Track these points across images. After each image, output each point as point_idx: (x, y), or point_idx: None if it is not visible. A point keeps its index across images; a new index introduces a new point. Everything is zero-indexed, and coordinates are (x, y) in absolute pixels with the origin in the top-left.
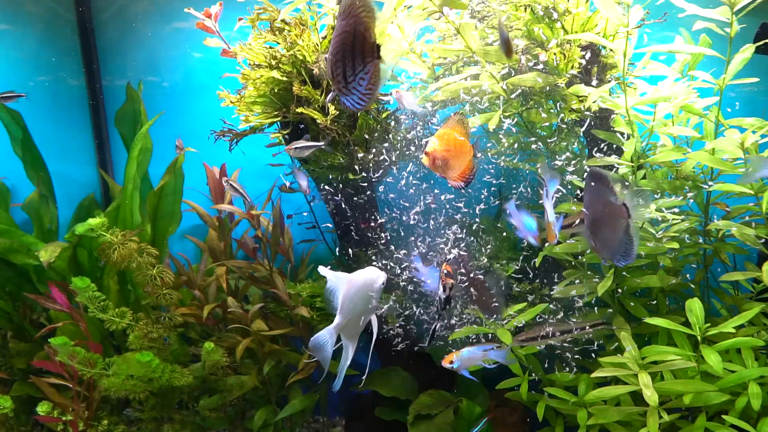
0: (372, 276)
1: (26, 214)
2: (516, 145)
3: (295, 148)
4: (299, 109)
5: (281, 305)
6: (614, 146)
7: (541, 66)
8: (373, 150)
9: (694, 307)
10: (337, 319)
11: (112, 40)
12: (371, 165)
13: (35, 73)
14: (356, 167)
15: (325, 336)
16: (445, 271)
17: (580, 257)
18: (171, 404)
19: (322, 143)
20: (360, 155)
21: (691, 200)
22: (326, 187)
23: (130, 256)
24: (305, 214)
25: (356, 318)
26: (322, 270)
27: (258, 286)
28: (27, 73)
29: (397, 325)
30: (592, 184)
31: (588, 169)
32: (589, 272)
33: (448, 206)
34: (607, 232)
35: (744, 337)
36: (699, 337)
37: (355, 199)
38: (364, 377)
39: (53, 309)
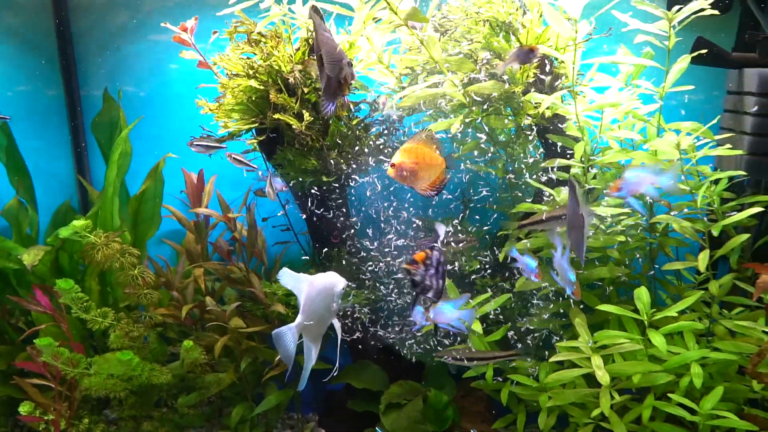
0: (332, 280)
1: (5, 220)
2: (476, 152)
3: (196, 144)
4: (276, 116)
5: (257, 304)
6: (568, 150)
7: (499, 75)
8: (345, 154)
9: (642, 295)
10: (298, 318)
11: (90, 52)
12: (343, 168)
13: (14, 83)
14: (329, 170)
15: (287, 332)
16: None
17: (539, 253)
18: (150, 402)
19: (224, 145)
20: (332, 159)
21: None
22: (301, 190)
23: (113, 257)
24: (280, 214)
25: (318, 319)
26: (285, 271)
27: (234, 287)
28: (6, 83)
29: (367, 320)
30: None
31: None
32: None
33: (412, 209)
34: (575, 234)
35: (686, 321)
36: (646, 322)
37: (328, 202)
38: (335, 373)
39: (36, 311)
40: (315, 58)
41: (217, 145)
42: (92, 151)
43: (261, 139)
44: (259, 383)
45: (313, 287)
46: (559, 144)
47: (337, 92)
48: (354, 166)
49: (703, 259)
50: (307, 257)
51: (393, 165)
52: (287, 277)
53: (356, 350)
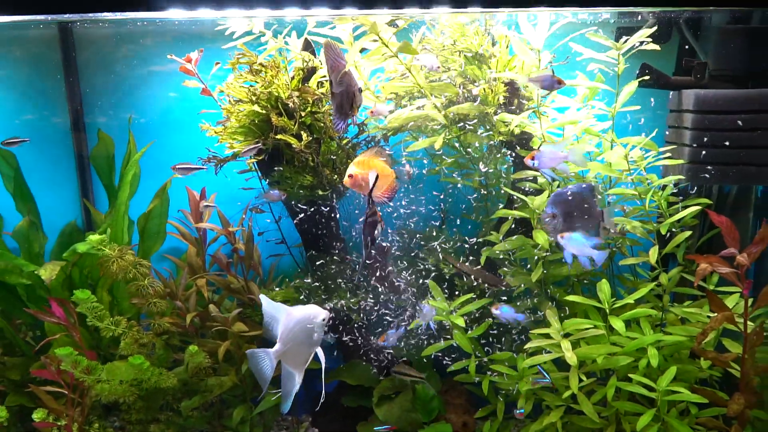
0: (312, 312)
1: (15, 241)
2: (455, 165)
3: (180, 168)
4: (279, 136)
5: (257, 310)
6: None
7: (474, 99)
8: (337, 169)
9: (603, 287)
10: (276, 346)
11: (94, 82)
12: (336, 182)
13: (21, 111)
14: (323, 185)
15: (262, 355)
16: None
17: (513, 255)
18: (156, 407)
19: (204, 167)
20: (326, 175)
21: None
22: (297, 205)
23: (127, 268)
24: (277, 220)
25: (297, 349)
26: (263, 299)
27: (234, 296)
28: (13, 112)
29: (359, 323)
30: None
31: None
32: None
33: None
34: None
35: (642, 309)
36: (607, 310)
37: (321, 215)
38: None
39: (50, 322)
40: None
41: (198, 167)
42: (95, 177)
43: (260, 159)
44: (257, 386)
45: (290, 317)
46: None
47: (348, 114)
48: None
49: (653, 254)
50: (300, 268)
51: (350, 175)
52: (267, 305)
53: (348, 352)
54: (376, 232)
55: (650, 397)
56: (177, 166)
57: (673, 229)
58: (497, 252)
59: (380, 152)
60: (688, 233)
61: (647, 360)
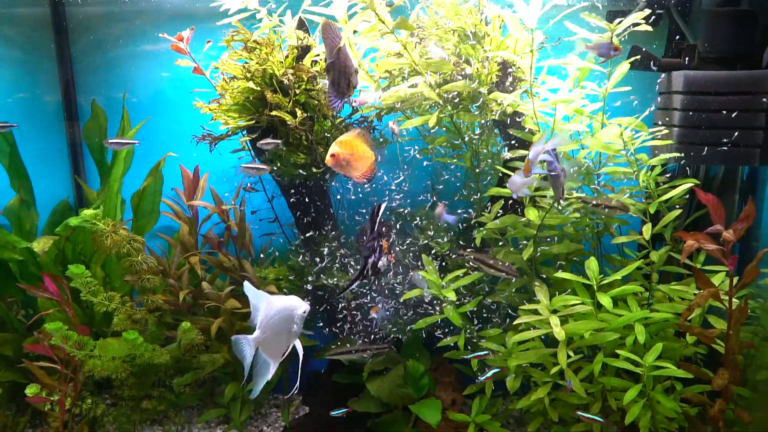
0: (293, 304)
1: (6, 219)
2: (446, 144)
3: (246, 167)
4: (273, 113)
5: None
6: (525, 142)
7: (467, 78)
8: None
9: (592, 264)
10: (255, 333)
11: (87, 61)
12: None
13: (14, 90)
14: (317, 162)
15: (243, 342)
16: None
17: (505, 235)
18: (148, 383)
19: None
20: (320, 153)
21: (586, 184)
22: (289, 183)
23: (121, 243)
24: (270, 199)
25: (275, 338)
26: (246, 286)
27: (227, 274)
28: (6, 91)
29: (351, 302)
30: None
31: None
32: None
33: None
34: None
35: (629, 286)
36: (595, 286)
37: (313, 194)
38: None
39: (43, 297)
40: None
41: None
42: (87, 155)
43: (253, 137)
44: None
45: (271, 307)
46: (518, 138)
47: (344, 93)
48: None
49: (646, 230)
50: (292, 247)
51: (332, 155)
52: (250, 292)
53: (340, 328)
54: (379, 262)
55: (636, 375)
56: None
57: (660, 210)
58: (485, 231)
59: (362, 134)
60: (678, 212)
61: (634, 337)
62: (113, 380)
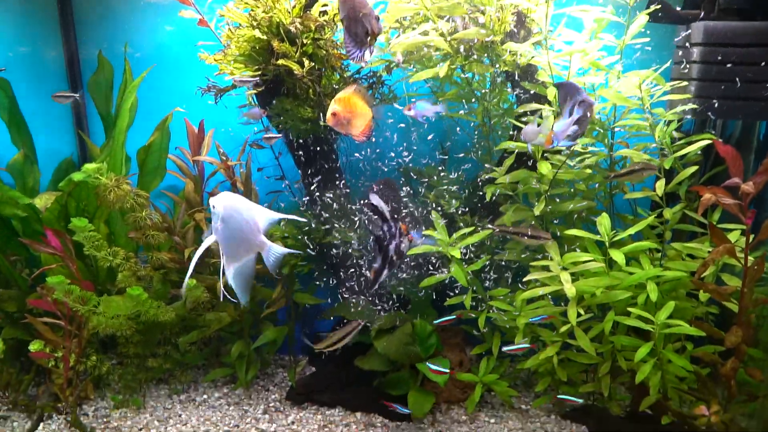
0: (258, 214)
1: (9, 175)
2: (457, 99)
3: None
4: (280, 61)
5: None
6: (539, 97)
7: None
8: None
9: (604, 220)
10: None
11: (89, 14)
12: None
13: (15, 44)
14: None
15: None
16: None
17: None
18: (153, 341)
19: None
20: (328, 105)
21: (599, 141)
22: (296, 138)
23: (125, 198)
24: (277, 156)
25: (236, 242)
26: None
27: None
28: (7, 45)
29: (357, 259)
30: None
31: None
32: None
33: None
34: None
35: (642, 242)
36: (607, 243)
37: (320, 149)
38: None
39: (46, 252)
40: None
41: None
42: (91, 110)
43: (260, 90)
44: (255, 323)
45: (237, 208)
46: (531, 93)
47: (364, 42)
48: None
49: (659, 186)
50: (300, 205)
51: (333, 114)
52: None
53: (346, 287)
54: (401, 246)
55: (646, 336)
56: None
57: (675, 168)
58: (498, 188)
59: (359, 90)
60: (694, 168)
61: (646, 295)
62: (118, 338)
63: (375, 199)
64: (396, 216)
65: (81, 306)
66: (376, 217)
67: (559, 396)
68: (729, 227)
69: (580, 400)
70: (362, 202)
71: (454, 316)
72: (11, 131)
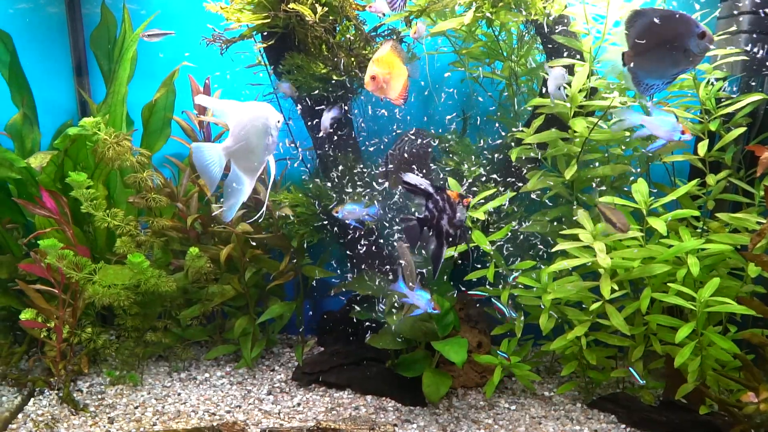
0: (266, 112)
1: (8, 136)
2: (481, 57)
3: (149, 35)
4: (291, 5)
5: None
6: (571, 51)
7: None
8: (354, 55)
9: (640, 187)
10: (227, 141)
11: None
12: (353, 68)
13: (15, 0)
14: (338, 69)
15: (210, 149)
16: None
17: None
18: (153, 315)
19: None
20: (342, 58)
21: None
22: (308, 98)
23: (124, 155)
24: (287, 120)
25: (249, 149)
26: (202, 99)
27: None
28: (7, 1)
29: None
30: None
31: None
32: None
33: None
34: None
35: (683, 210)
36: (644, 211)
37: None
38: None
39: (41, 215)
40: None
41: (167, 32)
42: (93, 69)
43: (270, 43)
44: (261, 299)
45: (244, 113)
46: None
47: None
48: (362, 68)
49: (702, 148)
50: (310, 172)
51: (373, 77)
52: (212, 104)
53: (357, 262)
54: (456, 217)
55: (683, 318)
56: (146, 33)
57: (720, 134)
58: (525, 151)
59: (395, 47)
60: (742, 130)
61: (686, 270)
62: (114, 309)
63: (411, 177)
64: (439, 186)
65: (76, 272)
66: (416, 196)
67: (629, 368)
68: None
69: (643, 381)
70: (400, 182)
71: (483, 294)
72: (12, 89)
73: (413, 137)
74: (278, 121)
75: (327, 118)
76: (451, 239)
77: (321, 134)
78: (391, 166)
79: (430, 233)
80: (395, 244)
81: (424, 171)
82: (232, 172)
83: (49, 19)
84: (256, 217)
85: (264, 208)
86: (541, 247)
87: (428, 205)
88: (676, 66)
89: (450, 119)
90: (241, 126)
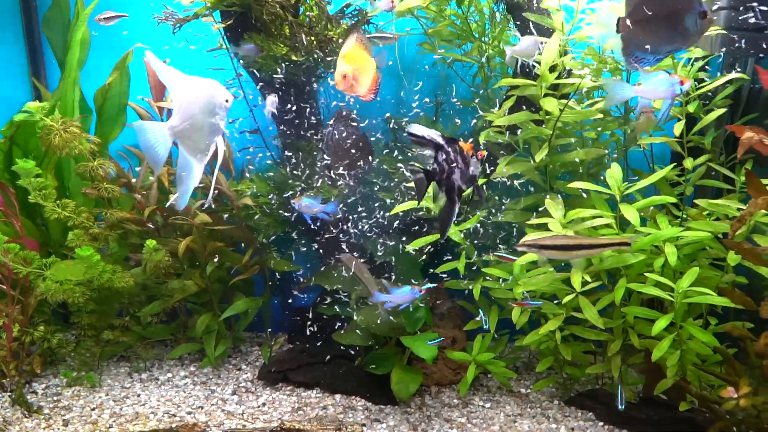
0: (215, 90)
1: None
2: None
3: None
4: None
5: (226, 204)
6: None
7: None
8: (315, 34)
9: (614, 172)
10: (172, 120)
11: None
12: (313, 50)
13: None
14: (299, 48)
15: (153, 128)
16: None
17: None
18: (111, 312)
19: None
20: (303, 37)
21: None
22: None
23: (72, 142)
24: (252, 108)
25: (195, 128)
26: (150, 57)
27: (199, 190)
28: None
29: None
30: None
31: None
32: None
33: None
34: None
35: (658, 197)
36: (618, 197)
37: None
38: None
39: None
40: None
41: (120, 14)
42: (48, 55)
43: (229, 23)
44: (225, 295)
45: (189, 87)
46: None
47: None
48: (324, 50)
49: (678, 126)
50: (276, 161)
51: (344, 75)
52: (157, 65)
53: (326, 250)
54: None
55: (662, 310)
56: (100, 16)
57: (699, 117)
58: (494, 135)
59: (360, 39)
60: (722, 111)
61: (663, 260)
62: (70, 306)
63: (417, 128)
64: (449, 137)
65: (23, 267)
66: (425, 149)
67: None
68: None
69: (623, 406)
70: (406, 133)
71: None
72: None
73: (339, 121)
74: (226, 100)
75: (270, 102)
76: (463, 194)
77: (268, 118)
78: (326, 157)
79: (443, 187)
80: (341, 257)
81: (363, 163)
82: (180, 155)
83: (1, 3)
84: (199, 204)
85: (210, 196)
86: (517, 237)
87: (438, 158)
88: (670, 43)
89: (418, 105)
90: (187, 102)
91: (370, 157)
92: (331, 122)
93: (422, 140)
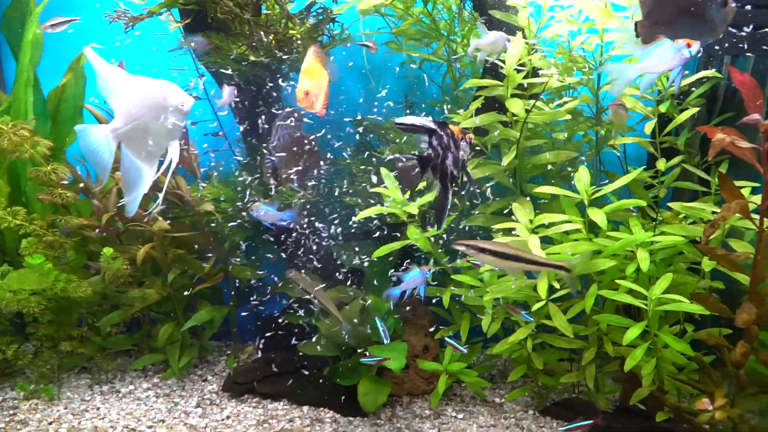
0: (165, 90)
1: None
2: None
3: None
4: None
5: (186, 211)
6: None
7: None
8: (274, 33)
9: (582, 175)
10: (114, 122)
11: None
12: (273, 49)
13: None
14: (257, 48)
15: (97, 135)
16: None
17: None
18: (70, 322)
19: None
20: (261, 36)
21: (585, 84)
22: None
23: (22, 145)
24: (216, 109)
25: (143, 131)
26: (89, 53)
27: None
28: None
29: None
30: None
31: None
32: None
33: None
34: None
35: (629, 200)
36: (586, 201)
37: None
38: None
39: None
40: None
41: (70, 18)
42: (6, 57)
43: (186, 22)
44: (189, 304)
45: (135, 88)
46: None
47: None
48: (284, 49)
49: (648, 127)
50: (241, 163)
51: (307, 93)
52: (98, 63)
53: (291, 259)
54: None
55: (638, 317)
56: (48, 23)
57: (673, 117)
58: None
59: (317, 52)
60: (695, 110)
61: (636, 265)
62: (25, 316)
63: (404, 118)
64: (440, 121)
65: None
66: (416, 135)
67: None
68: (740, 185)
69: None
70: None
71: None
72: None
73: (286, 120)
74: (182, 104)
75: (227, 93)
76: (457, 180)
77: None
78: (273, 158)
79: (435, 176)
80: (289, 275)
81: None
82: (126, 159)
83: None
84: (157, 209)
85: (160, 201)
86: None
87: (432, 143)
88: (698, 37)
89: (385, 104)
90: (131, 104)
91: (318, 160)
92: (278, 122)
93: (413, 128)
